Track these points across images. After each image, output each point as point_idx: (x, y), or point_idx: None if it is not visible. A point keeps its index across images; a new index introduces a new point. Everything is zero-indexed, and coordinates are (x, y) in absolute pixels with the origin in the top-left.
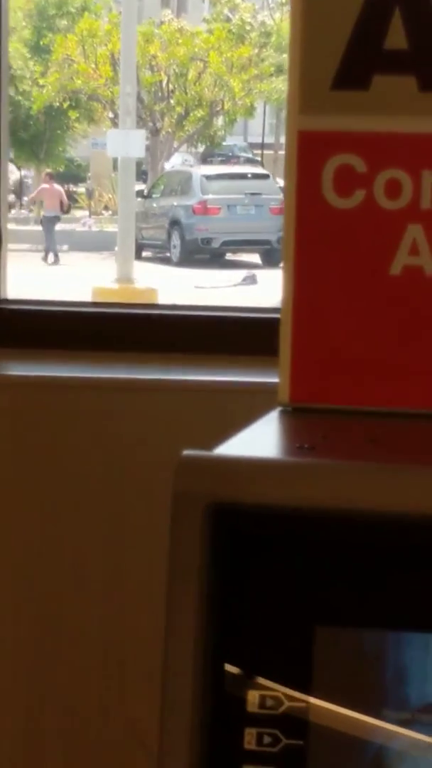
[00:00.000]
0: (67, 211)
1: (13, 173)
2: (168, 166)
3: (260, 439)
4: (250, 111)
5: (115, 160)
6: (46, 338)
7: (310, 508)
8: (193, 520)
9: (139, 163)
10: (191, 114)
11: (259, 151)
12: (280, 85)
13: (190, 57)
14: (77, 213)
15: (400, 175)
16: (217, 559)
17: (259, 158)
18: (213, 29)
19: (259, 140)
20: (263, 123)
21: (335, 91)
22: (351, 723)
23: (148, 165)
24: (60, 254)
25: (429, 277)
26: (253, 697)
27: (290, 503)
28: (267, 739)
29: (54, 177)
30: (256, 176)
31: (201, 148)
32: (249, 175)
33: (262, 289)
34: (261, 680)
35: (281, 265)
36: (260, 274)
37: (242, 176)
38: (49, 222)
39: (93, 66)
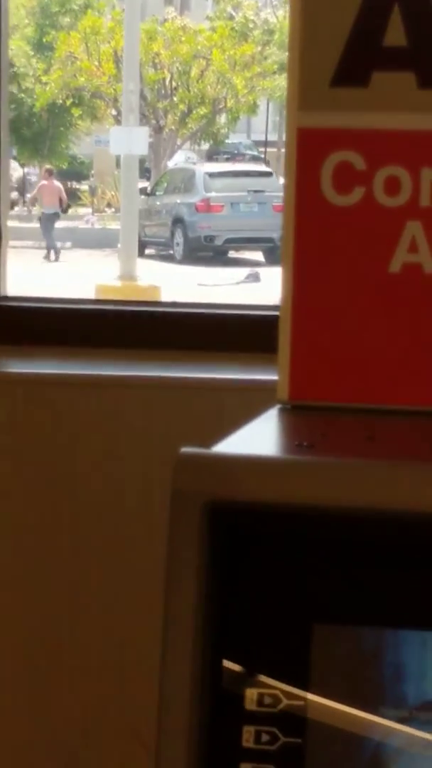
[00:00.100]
0: (66, 210)
1: (16, 170)
2: (171, 163)
3: (259, 437)
4: (253, 108)
5: (118, 158)
6: (46, 335)
7: (308, 506)
8: (192, 517)
9: (142, 161)
10: (194, 111)
11: (262, 149)
12: (283, 82)
13: (193, 54)
14: (80, 210)
15: (400, 172)
16: (216, 557)
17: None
18: (216, 27)
19: (263, 138)
20: (266, 120)
21: (334, 88)
22: (349, 721)
23: (151, 162)
24: (63, 252)
25: (428, 274)
26: (251, 694)
27: (289, 501)
28: (265, 737)
29: (53, 173)
30: (259, 174)
31: (204, 146)
32: (252, 173)
33: (266, 287)
34: (259, 678)
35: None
36: (263, 271)
37: (245, 174)
38: (48, 219)
39: (96, 63)
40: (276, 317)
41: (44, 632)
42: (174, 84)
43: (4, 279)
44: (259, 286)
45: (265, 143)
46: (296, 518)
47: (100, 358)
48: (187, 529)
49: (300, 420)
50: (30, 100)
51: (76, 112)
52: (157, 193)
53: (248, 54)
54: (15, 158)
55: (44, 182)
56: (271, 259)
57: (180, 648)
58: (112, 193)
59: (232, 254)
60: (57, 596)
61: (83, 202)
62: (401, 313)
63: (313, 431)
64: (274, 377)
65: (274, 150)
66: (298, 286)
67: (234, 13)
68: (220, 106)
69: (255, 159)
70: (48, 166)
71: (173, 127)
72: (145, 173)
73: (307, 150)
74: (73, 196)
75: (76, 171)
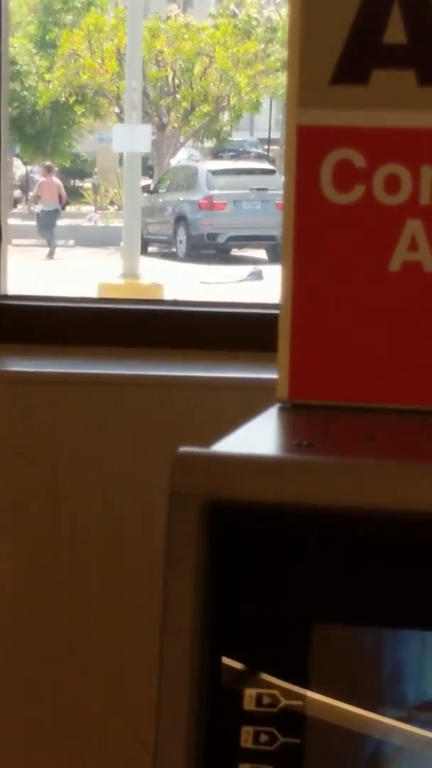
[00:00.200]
0: (64, 207)
1: (19, 168)
2: (174, 161)
3: (258, 436)
4: (256, 106)
5: (120, 156)
6: (47, 335)
7: (308, 506)
8: (190, 516)
9: (144, 159)
10: (197, 109)
11: (265, 147)
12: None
13: (196, 52)
14: (83, 208)
15: (400, 170)
16: (214, 556)
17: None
18: (219, 24)
19: (266, 135)
20: (269, 118)
21: (334, 85)
22: (348, 721)
23: (154, 160)
24: (65, 249)
25: (428, 272)
26: (249, 694)
27: (288, 500)
28: (264, 737)
29: (52, 170)
30: (262, 171)
31: (207, 144)
32: (255, 171)
33: (268, 285)
34: (258, 678)
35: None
36: (266, 269)
37: (248, 171)
38: (48, 216)
39: (99, 61)
40: (276, 315)
41: (43, 632)
42: (177, 81)
43: (5, 278)
44: (262, 284)
45: (268, 141)
46: (295, 518)
47: (101, 358)
48: (186, 529)
49: (300, 419)
50: (33, 97)
51: (79, 109)
52: (160, 190)
53: (251, 51)
54: (18, 156)
55: (43, 179)
56: (274, 257)
57: (179, 648)
58: (115, 190)
59: (234, 252)
60: (56, 596)
61: (86, 199)
62: (401, 311)
63: (313, 430)
64: (274, 376)
65: (277, 148)
66: (298, 284)
67: (237, 11)
68: (223, 104)
69: (260, 157)
70: (47, 163)
71: (176, 125)
72: (147, 171)
73: (307, 148)
74: (76, 194)
75: (78, 169)
